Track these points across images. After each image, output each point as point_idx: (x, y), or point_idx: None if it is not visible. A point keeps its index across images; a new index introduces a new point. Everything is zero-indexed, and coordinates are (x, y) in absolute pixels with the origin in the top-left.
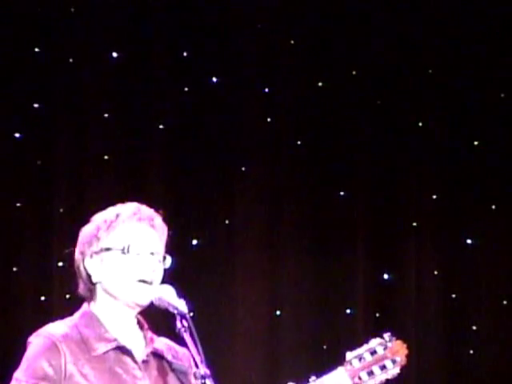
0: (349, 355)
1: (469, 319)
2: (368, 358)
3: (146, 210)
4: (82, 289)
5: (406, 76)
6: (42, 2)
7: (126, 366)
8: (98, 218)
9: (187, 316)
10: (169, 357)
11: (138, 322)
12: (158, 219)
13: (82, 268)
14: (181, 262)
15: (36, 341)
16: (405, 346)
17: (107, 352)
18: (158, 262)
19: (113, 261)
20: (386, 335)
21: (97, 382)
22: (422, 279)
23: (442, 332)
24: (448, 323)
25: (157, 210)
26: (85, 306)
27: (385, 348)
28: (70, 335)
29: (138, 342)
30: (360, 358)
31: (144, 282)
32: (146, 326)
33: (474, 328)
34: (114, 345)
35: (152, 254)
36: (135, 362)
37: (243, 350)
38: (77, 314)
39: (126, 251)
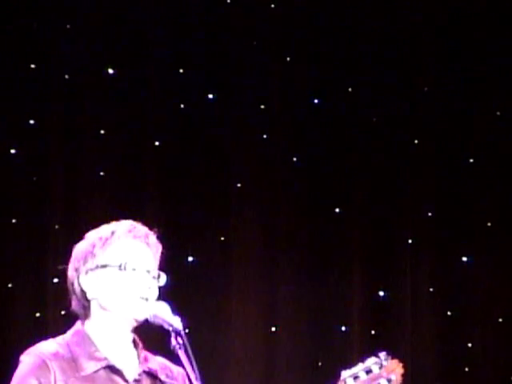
0: (344, 374)
1: (464, 337)
2: (363, 376)
3: (141, 228)
4: (75, 306)
5: (401, 93)
6: (38, 18)
7: None
8: (93, 236)
9: (182, 333)
10: (162, 377)
11: (133, 341)
12: (153, 237)
13: (76, 285)
14: (176, 278)
15: (26, 359)
16: (400, 365)
17: (97, 371)
18: (153, 279)
19: (110, 277)
20: (382, 354)
21: None
22: (418, 297)
23: (438, 349)
24: (443, 341)
25: (151, 228)
26: (77, 324)
27: (380, 367)
28: (60, 354)
29: (131, 360)
30: (355, 376)
31: (141, 298)
32: (140, 345)
33: (470, 345)
34: (103, 364)
35: (148, 271)
36: (125, 381)
37: (238, 366)
38: (69, 332)
39: (123, 268)
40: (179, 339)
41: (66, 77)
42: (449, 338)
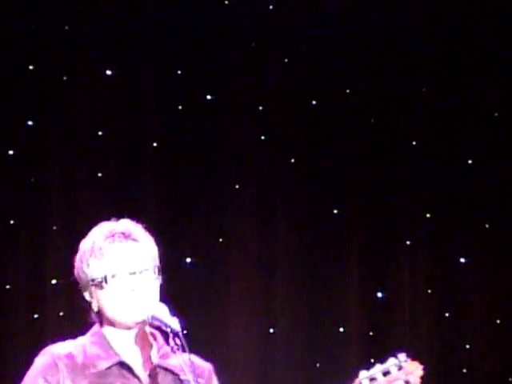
0: (361, 375)
1: (462, 338)
2: (380, 378)
3: (119, 227)
4: (92, 316)
5: (399, 94)
6: (37, 19)
7: (127, 381)
8: (81, 249)
9: (180, 334)
10: (181, 374)
11: (154, 338)
12: (137, 231)
13: (83, 298)
14: (174, 280)
15: (38, 359)
16: (420, 367)
17: (110, 368)
18: (141, 276)
19: (98, 293)
20: (401, 355)
21: None
22: (416, 298)
23: (436, 351)
24: (441, 342)
25: (137, 222)
26: (96, 326)
27: (399, 368)
28: (72, 353)
29: (146, 357)
30: (371, 378)
31: (131, 302)
32: (161, 342)
33: (468, 347)
34: (115, 360)
35: (133, 273)
36: (136, 376)
37: (236, 367)
38: (87, 333)
39: (104, 283)
40: (177, 340)
41: (65, 78)
42: (447, 339)
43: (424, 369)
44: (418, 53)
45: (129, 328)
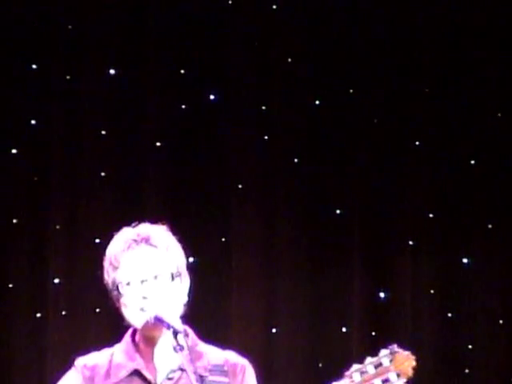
0: (352, 368)
1: (465, 338)
2: (371, 370)
3: (136, 232)
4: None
5: (402, 94)
6: (40, 18)
7: None
8: (105, 256)
9: (182, 334)
10: (207, 375)
11: (187, 336)
12: (156, 236)
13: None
14: None
15: (68, 372)
16: (412, 357)
17: (130, 375)
18: (150, 284)
19: (119, 299)
20: (393, 346)
21: None
22: (418, 298)
23: (438, 351)
24: (444, 342)
25: (155, 222)
26: (128, 332)
27: (391, 360)
28: (98, 363)
29: (168, 362)
30: (362, 371)
31: (140, 310)
32: (191, 343)
33: (470, 347)
34: (130, 370)
35: (144, 280)
36: (149, 382)
37: None
38: (122, 340)
39: (116, 290)
40: (180, 340)
41: (68, 77)
42: (449, 339)
43: (417, 360)
44: (422, 52)
45: (151, 334)
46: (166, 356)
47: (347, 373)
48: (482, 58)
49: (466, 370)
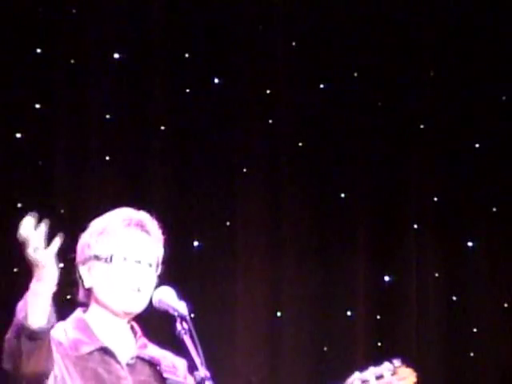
0: (354, 376)
1: (469, 321)
2: (372, 381)
3: (137, 216)
4: (80, 294)
5: (407, 78)
6: (44, 2)
7: (109, 367)
8: (92, 225)
9: (187, 318)
10: (162, 366)
11: (132, 329)
12: (151, 224)
13: (77, 273)
14: (182, 263)
15: None
16: (414, 374)
17: (91, 353)
18: (145, 268)
19: (99, 269)
20: (396, 361)
21: (79, 381)
22: (423, 281)
23: (443, 334)
24: (448, 325)
25: (151, 214)
26: (77, 311)
27: (392, 373)
28: (56, 338)
29: (127, 346)
30: (364, 380)
31: (131, 289)
32: (139, 333)
33: (475, 330)
34: (97, 345)
35: (139, 261)
36: (118, 362)
37: (243, 351)
38: (68, 319)
39: (109, 260)
40: (184, 324)
41: (72, 61)
42: (454, 322)
43: (417, 377)
44: (427, 36)
45: (115, 315)
46: (122, 340)
47: (348, 380)
48: (488, 41)
49: (471, 353)
